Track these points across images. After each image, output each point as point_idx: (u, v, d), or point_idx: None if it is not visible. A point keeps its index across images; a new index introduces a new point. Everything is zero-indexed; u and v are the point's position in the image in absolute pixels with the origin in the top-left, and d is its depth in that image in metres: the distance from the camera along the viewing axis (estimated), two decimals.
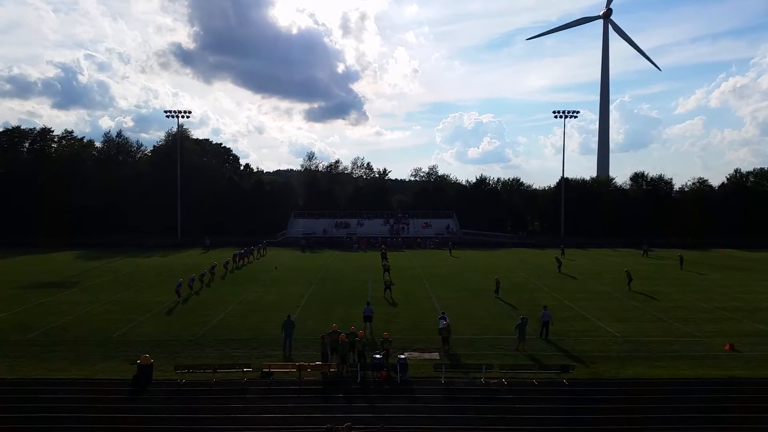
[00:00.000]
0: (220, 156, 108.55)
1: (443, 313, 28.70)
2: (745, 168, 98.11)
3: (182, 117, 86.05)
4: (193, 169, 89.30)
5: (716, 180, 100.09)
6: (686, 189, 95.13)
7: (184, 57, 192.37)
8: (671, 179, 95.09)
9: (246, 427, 18.03)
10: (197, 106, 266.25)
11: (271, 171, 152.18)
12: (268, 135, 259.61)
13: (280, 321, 26.94)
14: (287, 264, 57.50)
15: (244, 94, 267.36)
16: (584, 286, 44.19)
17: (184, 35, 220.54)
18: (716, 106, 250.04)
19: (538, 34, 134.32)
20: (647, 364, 24.37)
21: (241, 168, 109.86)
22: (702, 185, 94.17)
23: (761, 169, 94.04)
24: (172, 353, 25.38)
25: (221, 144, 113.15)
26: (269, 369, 22.47)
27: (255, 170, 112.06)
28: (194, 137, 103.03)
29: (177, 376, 21.97)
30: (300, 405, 19.68)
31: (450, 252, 68.23)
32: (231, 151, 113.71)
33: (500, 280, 40.93)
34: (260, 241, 68.69)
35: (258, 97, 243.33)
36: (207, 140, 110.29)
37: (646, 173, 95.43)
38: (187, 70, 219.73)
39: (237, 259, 56.17)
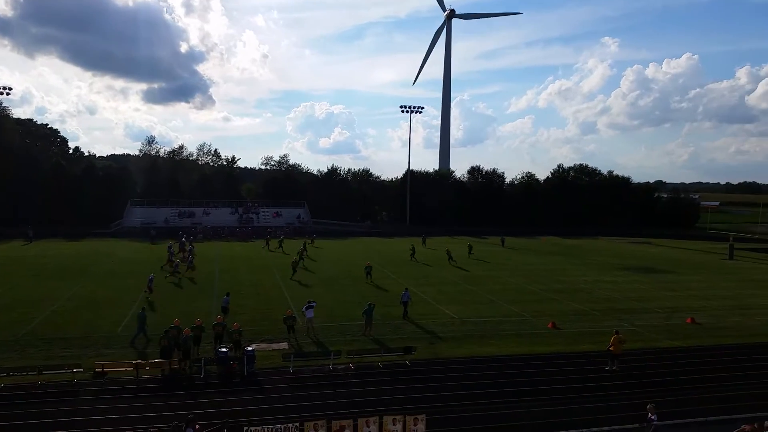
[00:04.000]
0: (45, 138, 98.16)
1: (310, 301, 28.19)
2: (567, 164, 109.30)
3: (0, 94, 76.55)
4: (13, 152, 79.91)
5: (542, 174, 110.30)
6: (516, 182, 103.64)
7: (1, 26, 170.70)
8: (503, 173, 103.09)
9: (78, 430, 16.73)
10: (18, 82, 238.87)
11: (105, 155, 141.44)
12: (101, 116, 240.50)
13: (116, 317, 25.41)
14: (124, 256, 53.72)
15: (73, 71, 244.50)
16: (426, 272, 46.52)
17: (0, 2, 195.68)
18: (544, 106, 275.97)
19: (417, 74, 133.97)
20: (481, 342, 26.40)
21: (71, 151, 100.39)
22: (530, 179, 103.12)
23: (580, 164, 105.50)
24: None
25: (47, 125, 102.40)
26: (102, 369, 20.93)
27: (87, 154, 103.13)
28: (15, 116, 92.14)
29: None
30: (138, 405, 18.66)
31: (278, 244, 62.08)
32: (58, 132, 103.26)
33: (372, 265, 43.01)
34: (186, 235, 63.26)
35: (89, 74, 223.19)
36: (30, 120, 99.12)
37: (481, 167, 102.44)
38: (5, 42, 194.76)
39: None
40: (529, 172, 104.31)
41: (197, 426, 15.25)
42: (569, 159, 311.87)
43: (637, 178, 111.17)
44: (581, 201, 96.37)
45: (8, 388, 19.60)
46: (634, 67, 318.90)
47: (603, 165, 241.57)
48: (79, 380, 20.41)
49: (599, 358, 23.78)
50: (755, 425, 11.41)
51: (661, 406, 18.37)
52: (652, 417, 15.48)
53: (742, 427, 11.02)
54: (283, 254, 55.47)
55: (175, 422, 15.67)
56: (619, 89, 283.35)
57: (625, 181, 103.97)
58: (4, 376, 19.89)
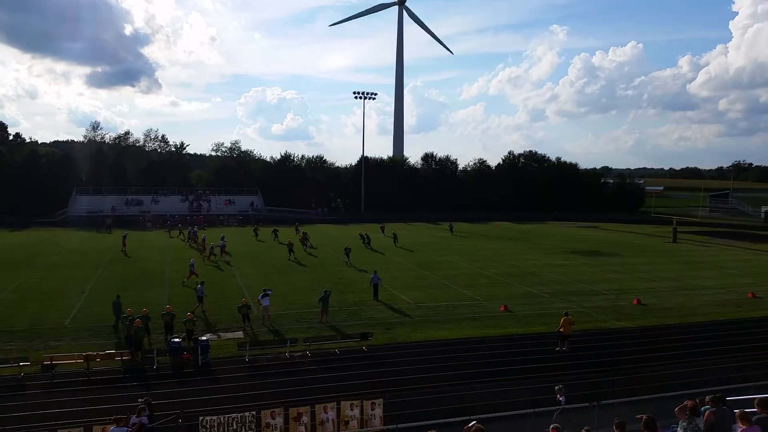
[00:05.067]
0: None
1: (266, 289, 27.82)
2: (517, 150, 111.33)
3: None
4: None
5: (494, 161, 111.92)
6: (469, 169, 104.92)
7: None
8: (456, 159, 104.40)
9: (27, 425, 16.20)
10: None
11: (48, 142, 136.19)
12: (42, 101, 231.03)
13: (64, 309, 24.65)
14: (71, 246, 51.99)
15: (10, 53, 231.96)
16: (381, 259, 46.68)
17: None
18: (495, 93, 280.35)
19: (338, 21, 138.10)
20: (436, 326, 26.77)
21: (10, 138, 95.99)
22: (482, 165, 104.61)
23: (530, 151, 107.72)
24: None
25: None
26: (51, 362, 20.29)
27: (28, 141, 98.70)
28: None
29: None
30: (89, 397, 18.20)
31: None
32: None
33: (350, 248, 45.26)
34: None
35: (28, 56, 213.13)
36: None
37: (435, 154, 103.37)
38: None
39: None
40: (481, 159, 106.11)
41: (144, 410, 14.88)
42: (519, 146, 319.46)
43: (584, 164, 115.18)
44: (531, 187, 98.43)
45: None
46: (582, 55, 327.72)
47: (552, 151, 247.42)
48: (27, 374, 19.77)
49: (550, 340, 24.47)
50: (696, 400, 11.96)
51: (609, 385, 19.12)
52: (561, 398, 16.05)
53: (685, 402, 11.53)
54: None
55: (146, 398, 15.43)
56: (567, 77, 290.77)
57: (572, 167, 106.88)
58: None
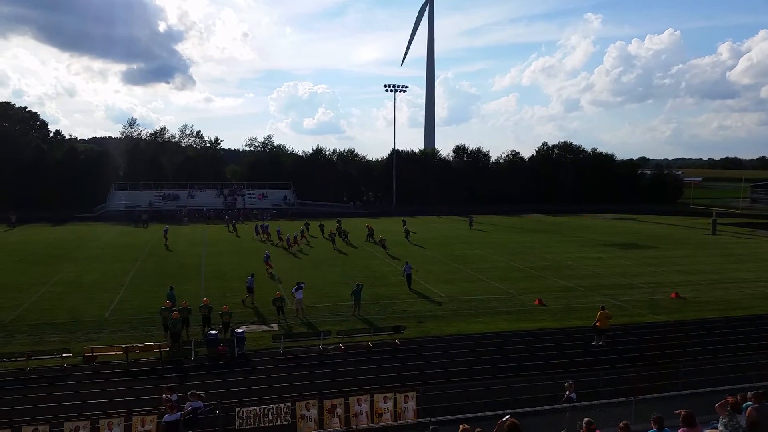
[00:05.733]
0: (24, 122, 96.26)
1: (299, 282, 28.19)
2: (551, 141, 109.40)
3: None
4: None
5: (527, 152, 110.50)
6: (501, 160, 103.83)
7: None
8: (489, 151, 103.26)
9: (69, 414, 16.69)
10: None
11: (87, 138, 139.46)
12: (80, 98, 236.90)
13: (104, 302, 25.28)
14: (109, 240, 53.30)
15: (50, 52, 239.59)
16: (412, 252, 46.62)
17: None
18: (527, 84, 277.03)
19: (404, 56, 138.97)
20: (469, 320, 26.65)
21: (51, 135, 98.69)
22: (515, 157, 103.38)
23: (564, 142, 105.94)
24: None
25: (25, 108, 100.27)
26: (92, 353, 20.88)
27: (68, 137, 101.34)
28: None
29: None
30: (129, 388, 18.68)
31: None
32: (38, 116, 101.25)
33: (385, 238, 47.68)
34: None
35: (66, 55, 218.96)
36: (8, 103, 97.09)
37: (467, 146, 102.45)
38: None
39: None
40: (514, 151, 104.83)
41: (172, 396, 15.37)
42: (553, 137, 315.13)
43: (620, 154, 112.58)
44: (566, 178, 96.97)
45: None
46: (617, 43, 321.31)
47: (587, 142, 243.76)
48: (69, 365, 20.37)
49: (586, 334, 24.14)
50: (738, 397, 11.67)
51: (646, 380, 18.77)
52: (571, 395, 15.78)
53: (726, 398, 11.26)
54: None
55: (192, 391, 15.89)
56: (602, 66, 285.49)
57: (608, 158, 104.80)
58: None
